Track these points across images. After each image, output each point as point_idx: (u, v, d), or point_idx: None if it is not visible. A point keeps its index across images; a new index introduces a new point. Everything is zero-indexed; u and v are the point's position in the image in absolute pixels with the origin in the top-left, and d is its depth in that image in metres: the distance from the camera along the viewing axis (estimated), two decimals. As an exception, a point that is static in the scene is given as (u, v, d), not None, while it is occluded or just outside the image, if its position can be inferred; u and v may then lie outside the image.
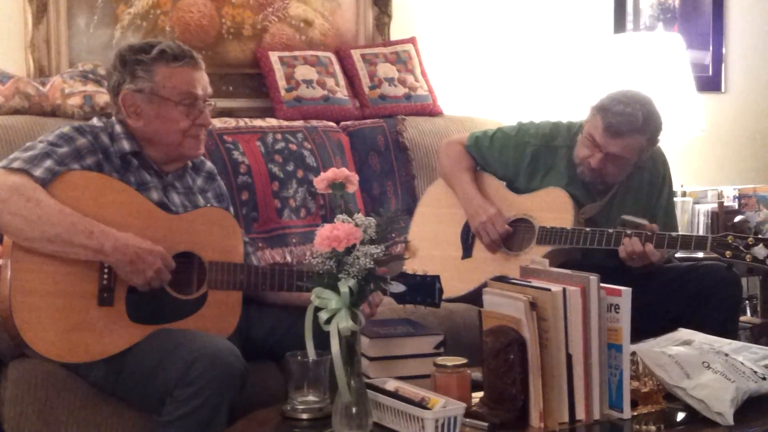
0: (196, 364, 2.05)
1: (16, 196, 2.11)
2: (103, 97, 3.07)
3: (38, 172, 2.15)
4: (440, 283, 2.37)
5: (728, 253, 2.64)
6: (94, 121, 2.38)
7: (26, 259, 2.13)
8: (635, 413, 1.99)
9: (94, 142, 2.29)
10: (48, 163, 2.18)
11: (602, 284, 1.93)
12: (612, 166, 2.86)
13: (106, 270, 2.19)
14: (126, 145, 2.35)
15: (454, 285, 2.90)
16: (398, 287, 2.13)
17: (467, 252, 3.07)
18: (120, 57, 2.39)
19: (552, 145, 3.04)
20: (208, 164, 2.62)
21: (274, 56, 3.50)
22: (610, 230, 2.80)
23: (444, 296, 2.42)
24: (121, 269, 2.16)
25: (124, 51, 2.40)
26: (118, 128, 2.36)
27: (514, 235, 3.01)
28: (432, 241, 3.10)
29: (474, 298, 2.83)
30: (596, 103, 2.90)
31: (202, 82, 2.41)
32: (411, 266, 2.88)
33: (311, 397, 1.99)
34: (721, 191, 4.07)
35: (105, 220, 2.19)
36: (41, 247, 2.13)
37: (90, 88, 3.08)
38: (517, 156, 3.06)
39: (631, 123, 2.79)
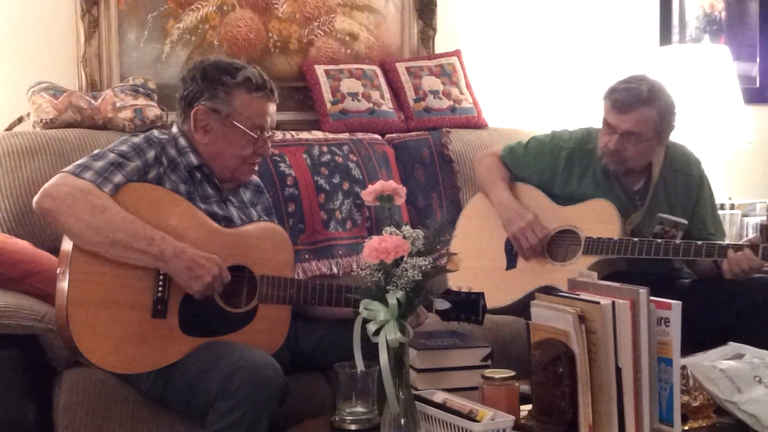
0: (235, 378, 2.07)
1: (83, 202, 2.16)
2: (153, 110, 3.13)
3: (107, 188, 2.20)
4: (484, 300, 2.38)
5: None
6: (155, 132, 2.43)
7: (83, 270, 2.17)
8: (686, 428, 1.97)
9: (161, 155, 2.34)
10: (117, 178, 2.23)
11: (652, 297, 1.92)
12: (630, 146, 2.90)
13: (160, 282, 2.22)
14: (194, 159, 2.39)
15: (498, 295, 2.90)
16: (443, 304, 2.14)
17: (511, 263, 3.07)
18: (203, 71, 2.42)
19: (586, 148, 3.06)
20: (255, 178, 2.65)
21: (319, 69, 3.53)
22: (659, 240, 2.79)
23: (489, 306, 2.42)
24: (179, 276, 2.20)
25: (210, 67, 2.43)
26: (182, 141, 2.41)
27: (560, 246, 3.00)
28: (475, 252, 3.10)
29: (520, 308, 2.83)
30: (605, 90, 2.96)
31: (273, 115, 2.46)
32: (455, 278, 2.90)
33: (359, 408, 2.00)
34: (770, 204, 4.02)
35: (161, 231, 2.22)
36: (103, 251, 2.17)
37: (140, 101, 3.13)
38: (553, 160, 3.08)
39: (635, 96, 2.86)
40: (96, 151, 2.31)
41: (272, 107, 2.46)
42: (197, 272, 2.19)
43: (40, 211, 2.22)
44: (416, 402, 1.90)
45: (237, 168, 2.44)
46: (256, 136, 2.41)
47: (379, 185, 1.97)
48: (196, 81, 2.41)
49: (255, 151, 2.44)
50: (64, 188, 2.18)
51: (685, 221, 2.90)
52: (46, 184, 2.21)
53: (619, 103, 2.87)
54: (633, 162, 2.94)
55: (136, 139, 2.35)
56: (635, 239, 2.82)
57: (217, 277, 2.22)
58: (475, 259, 3.07)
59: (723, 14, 4.46)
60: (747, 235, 3.88)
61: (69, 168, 2.24)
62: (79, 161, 2.27)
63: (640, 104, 2.85)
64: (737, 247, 2.74)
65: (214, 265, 2.22)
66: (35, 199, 2.21)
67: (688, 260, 2.95)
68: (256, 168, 2.51)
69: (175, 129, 2.45)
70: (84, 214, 2.15)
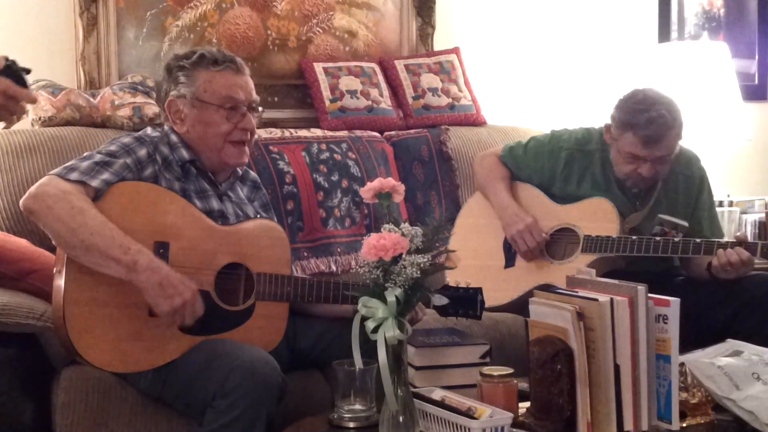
0: (233, 376, 2.06)
1: (63, 203, 2.14)
2: (151, 108, 3.13)
3: (95, 182, 2.19)
4: (482, 296, 2.38)
5: None
6: (148, 130, 2.42)
7: (80, 270, 2.16)
8: (684, 425, 1.97)
9: (154, 153, 2.33)
10: (105, 176, 2.22)
11: (650, 294, 1.92)
12: (662, 167, 2.91)
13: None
14: (185, 154, 2.39)
15: (497, 294, 2.91)
16: (441, 300, 2.15)
17: (510, 261, 3.07)
18: (167, 67, 2.46)
19: (586, 149, 3.05)
20: (252, 174, 2.65)
21: (318, 67, 3.53)
22: (657, 238, 2.80)
23: (488, 305, 2.43)
24: (148, 290, 2.13)
25: (170, 60, 2.47)
26: (173, 137, 2.41)
27: (558, 244, 3.00)
28: (474, 250, 3.10)
29: (518, 306, 2.83)
30: (616, 119, 2.90)
31: (245, 87, 2.42)
32: (453, 276, 2.90)
33: (358, 406, 2.00)
34: (769, 201, 4.02)
35: (156, 230, 2.22)
36: (80, 255, 2.14)
37: (139, 99, 3.13)
38: (552, 161, 3.08)
39: (664, 125, 2.83)
40: (85, 153, 2.31)
41: (241, 79, 2.42)
42: (168, 291, 2.12)
43: (24, 212, 2.21)
44: (414, 399, 1.90)
45: (222, 149, 2.39)
46: (227, 108, 2.38)
47: (377, 183, 1.96)
48: (165, 79, 2.45)
49: (236, 126, 2.39)
50: (47, 189, 2.17)
51: (685, 223, 2.90)
52: (32, 186, 2.20)
53: (652, 138, 2.83)
54: (662, 175, 2.96)
55: (126, 139, 2.34)
56: (633, 237, 2.83)
57: (188, 303, 2.14)
58: (474, 258, 3.07)
59: (722, 11, 4.45)
60: (745, 232, 3.88)
61: (56, 170, 2.23)
62: (67, 163, 2.25)
63: (669, 130, 2.84)
64: (734, 244, 2.74)
65: (187, 290, 2.15)
66: (21, 200, 2.20)
67: (684, 261, 2.95)
68: (246, 150, 2.44)
69: (166, 127, 2.45)
70: (63, 216, 2.13)
